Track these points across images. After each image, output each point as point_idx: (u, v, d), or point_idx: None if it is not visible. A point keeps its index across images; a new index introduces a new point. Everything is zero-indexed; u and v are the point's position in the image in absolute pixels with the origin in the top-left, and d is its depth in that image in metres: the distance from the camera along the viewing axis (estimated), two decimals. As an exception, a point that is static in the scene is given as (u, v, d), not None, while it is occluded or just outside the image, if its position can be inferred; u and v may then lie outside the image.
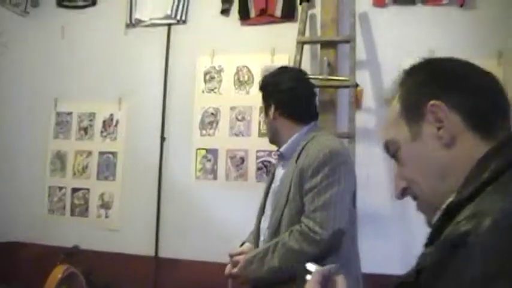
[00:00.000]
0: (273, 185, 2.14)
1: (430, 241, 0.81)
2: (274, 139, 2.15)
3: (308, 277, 0.95)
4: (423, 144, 0.87)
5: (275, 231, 1.98)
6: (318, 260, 1.85)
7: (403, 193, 0.93)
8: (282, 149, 2.09)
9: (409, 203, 3.17)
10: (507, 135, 0.83)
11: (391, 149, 0.93)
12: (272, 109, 2.09)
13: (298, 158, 1.97)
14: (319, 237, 1.84)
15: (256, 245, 2.10)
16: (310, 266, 0.97)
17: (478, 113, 0.84)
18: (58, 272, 1.76)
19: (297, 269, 1.85)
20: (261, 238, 2.09)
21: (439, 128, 0.85)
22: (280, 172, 2.11)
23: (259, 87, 2.18)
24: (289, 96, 2.09)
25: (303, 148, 1.99)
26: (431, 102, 0.85)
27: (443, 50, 3.01)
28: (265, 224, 2.08)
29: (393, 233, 2.93)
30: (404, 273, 0.81)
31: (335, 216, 1.87)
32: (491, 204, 0.71)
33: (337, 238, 1.89)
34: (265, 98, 2.14)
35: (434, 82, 0.88)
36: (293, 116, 2.08)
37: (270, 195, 2.13)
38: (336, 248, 1.89)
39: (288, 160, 2.06)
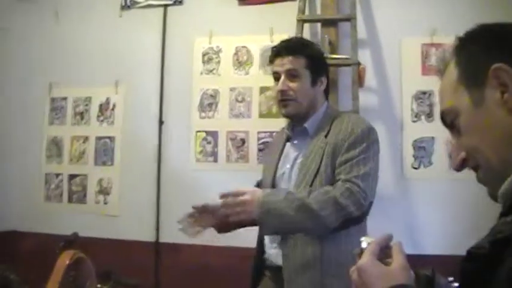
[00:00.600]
0: (280, 163, 2.10)
1: (507, 210, 0.77)
2: (307, 112, 2.06)
3: (363, 245, 0.94)
4: (486, 111, 0.82)
5: None
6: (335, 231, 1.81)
7: (462, 164, 0.88)
8: (306, 124, 2.05)
9: (412, 183, 3.13)
10: None
11: (449, 118, 0.88)
12: (325, 81, 2.10)
13: (327, 133, 1.97)
14: (363, 201, 1.82)
15: None
16: (366, 239, 0.95)
17: None
18: (66, 258, 1.70)
19: (334, 220, 1.77)
20: None
21: (503, 93, 0.80)
22: (292, 149, 2.08)
23: (311, 56, 2.07)
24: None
25: (331, 124, 1.99)
26: (494, 66, 0.80)
27: (445, 28, 2.99)
28: None
29: (396, 213, 2.92)
30: (473, 245, 0.76)
31: (371, 190, 1.88)
32: None
33: (366, 213, 1.91)
34: (318, 69, 2.08)
35: (496, 46, 0.83)
36: (328, 90, 2.15)
37: (281, 173, 2.07)
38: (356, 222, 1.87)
39: (309, 136, 2.03)
